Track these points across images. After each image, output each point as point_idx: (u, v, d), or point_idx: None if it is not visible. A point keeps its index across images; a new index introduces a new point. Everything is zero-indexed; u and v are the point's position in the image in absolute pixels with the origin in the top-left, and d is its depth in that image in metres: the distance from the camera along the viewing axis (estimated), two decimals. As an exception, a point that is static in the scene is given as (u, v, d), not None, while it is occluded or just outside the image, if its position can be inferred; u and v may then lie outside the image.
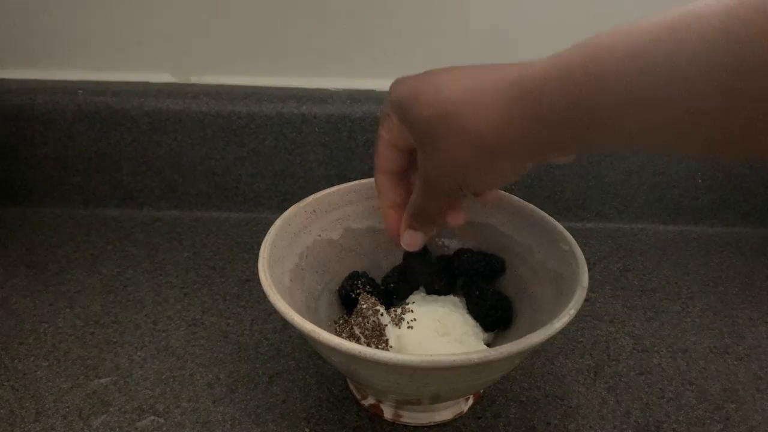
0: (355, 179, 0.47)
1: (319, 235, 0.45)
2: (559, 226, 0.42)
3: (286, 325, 0.37)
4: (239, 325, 0.50)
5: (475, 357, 0.31)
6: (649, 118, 0.24)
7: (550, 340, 0.34)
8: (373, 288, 0.44)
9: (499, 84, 0.29)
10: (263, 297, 0.36)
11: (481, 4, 0.59)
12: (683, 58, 0.22)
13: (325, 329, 0.33)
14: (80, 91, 0.61)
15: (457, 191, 0.34)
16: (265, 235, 0.40)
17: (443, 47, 0.61)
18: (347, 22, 0.60)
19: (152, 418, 0.41)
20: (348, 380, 0.44)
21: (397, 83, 0.34)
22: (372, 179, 0.48)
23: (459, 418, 0.42)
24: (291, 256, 0.42)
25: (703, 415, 0.43)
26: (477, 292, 0.42)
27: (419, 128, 0.32)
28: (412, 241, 0.39)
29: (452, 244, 0.48)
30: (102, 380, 0.44)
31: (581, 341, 0.49)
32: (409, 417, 0.41)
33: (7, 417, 0.41)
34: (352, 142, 0.62)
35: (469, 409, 0.42)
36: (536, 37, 0.60)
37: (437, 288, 0.44)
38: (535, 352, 0.47)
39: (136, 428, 0.41)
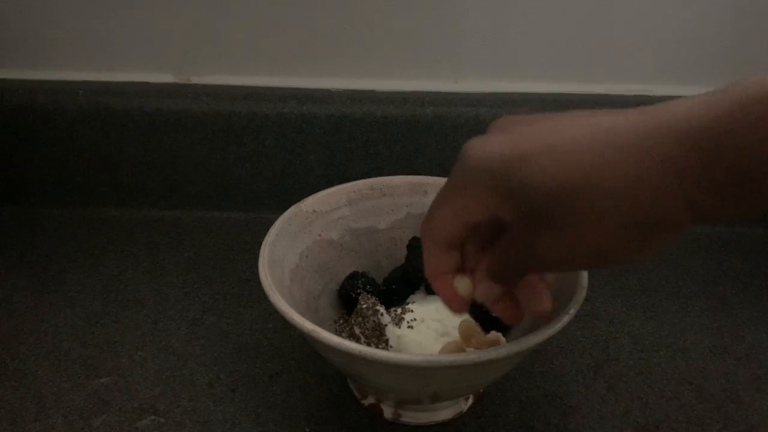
0: (355, 179, 0.47)
1: (319, 235, 0.45)
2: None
3: (286, 324, 0.37)
4: (239, 325, 0.50)
5: (475, 357, 0.31)
6: None
7: (550, 340, 0.33)
8: (373, 288, 0.44)
9: (643, 140, 0.23)
10: (263, 297, 0.36)
11: (480, 4, 0.59)
12: None
13: (325, 329, 0.33)
14: (80, 91, 0.61)
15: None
16: (265, 235, 0.41)
17: (443, 47, 0.61)
18: (347, 22, 0.60)
19: (152, 417, 0.41)
20: (348, 380, 0.44)
21: (482, 144, 0.27)
22: (372, 179, 0.48)
23: (459, 418, 0.42)
24: (291, 256, 0.42)
25: (702, 415, 0.43)
26: (477, 292, 0.42)
27: (535, 202, 0.25)
28: (490, 292, 0.31)
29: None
30: (102, 380, 0.44)
31: (581, 341, 0.49)
32: (409, 416, 0.41)
33: (8, 417, 0.41)
34: (352, 142, 0.62)
35: (469, 408, 0.42)
36: (536, 37, 0.60)
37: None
38: (535, 352, 0.47)
39: (137, 428, 0.41)
